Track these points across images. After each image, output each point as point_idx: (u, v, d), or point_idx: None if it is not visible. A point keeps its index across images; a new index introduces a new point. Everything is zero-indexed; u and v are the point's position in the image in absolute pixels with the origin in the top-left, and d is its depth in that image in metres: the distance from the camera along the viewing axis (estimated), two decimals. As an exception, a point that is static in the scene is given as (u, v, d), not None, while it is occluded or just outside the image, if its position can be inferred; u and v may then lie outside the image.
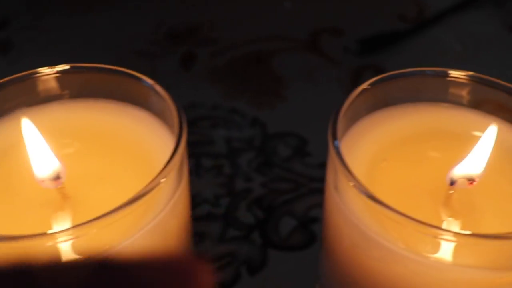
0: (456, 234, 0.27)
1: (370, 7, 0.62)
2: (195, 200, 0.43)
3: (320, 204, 0.43)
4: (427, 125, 0.32)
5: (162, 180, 0.27)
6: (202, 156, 0.46)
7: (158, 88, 0.30)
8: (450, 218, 0.30)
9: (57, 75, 0.32)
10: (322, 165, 0.46)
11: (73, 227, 0.25)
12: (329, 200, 0.30)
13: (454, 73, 0.32)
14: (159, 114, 0.31)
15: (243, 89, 0.52)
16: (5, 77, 0.54)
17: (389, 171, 0.31)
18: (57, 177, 0.30)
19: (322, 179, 0.45)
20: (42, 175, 0.29)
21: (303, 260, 0.40)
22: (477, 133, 0.32)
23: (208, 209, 0.43)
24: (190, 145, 0.47)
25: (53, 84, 0.32)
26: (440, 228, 0.26)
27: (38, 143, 0.29)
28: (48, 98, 0.32)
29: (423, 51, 0.57)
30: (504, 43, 0.57)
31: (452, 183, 0.30)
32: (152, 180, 0.26)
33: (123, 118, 0.32)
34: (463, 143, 0.31)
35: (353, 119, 0.32)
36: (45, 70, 0.32)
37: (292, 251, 0.41)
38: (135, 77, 0.30)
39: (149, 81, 0.30)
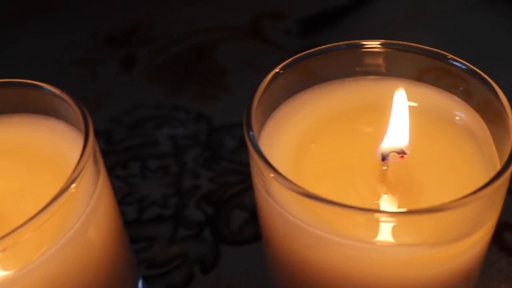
0: (387, 212, 0.26)
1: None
2: (143, 204, 0.42)
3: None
4: (351, 101, 0.31)
5: (72, 186, 0.25)
6: (147, 157, 0.45)
7: (63, 95, 0.28)
8: (386, 195, 0.29)
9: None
10: (270, 153, 0.45)
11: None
12: (257, 193, 0.29)
13: (369, 43, 0.31)
14: (71, 121, 0.30)
15: (185, 85, 0.51)
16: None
17: (319, 153, 0.30)
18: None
19: (271, 167, 0.44)
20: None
21: (257, 253, 0.39)
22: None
23: (157, 211, 0.42)
24: (134, 148, 0.46)
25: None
26: (368, 209, 0.25)
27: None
28: None
29: (367, 25, 0.56)
30: (443, 9, 0.56)
31: (384, 158, 0.29)
32: (63, 188, 0.25)
33: (36, 131, 0.31)
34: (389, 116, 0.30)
35: (273, 105, 0.31)
36: None
37: (244, 245, 0.40)
38: (39, 86, 0.29)
39: (54, 89, 0.29)
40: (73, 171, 0.25)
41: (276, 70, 0.30)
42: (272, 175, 0.26)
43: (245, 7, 0.58)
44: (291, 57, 0.52)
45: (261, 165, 0.26)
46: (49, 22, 0.59)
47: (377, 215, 0.25)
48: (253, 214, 0.41)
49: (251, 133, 0.27)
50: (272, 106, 0.31)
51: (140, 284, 0.35)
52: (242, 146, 0.45)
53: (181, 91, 0.50)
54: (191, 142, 0.46)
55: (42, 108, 0.30)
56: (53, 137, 0.31)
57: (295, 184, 0.25)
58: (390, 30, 0.55)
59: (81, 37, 0.57)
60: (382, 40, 0.30)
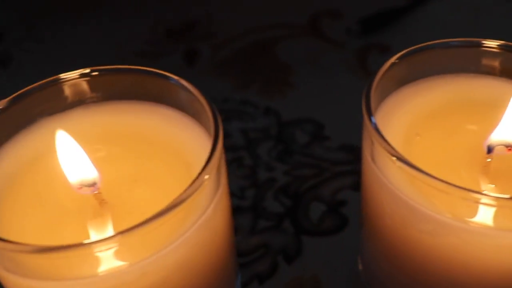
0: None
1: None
2: (220, 195, 0.43)
3: (347, 187, 0.43)
4: (458, 97, 0.32)
5: (206, 177, 0.26)
6: (220, 150, 0.46)
7: (190, 87, 0.29)
8: (490, 185, 0.30)
9: (79, 79, 0.31)
10: (343, 148, 0.45)
11: (117, 234, 0.24)
12: (369, 177, 0.30)
13: (483, 42, 0.32)
14: (189, 112, 0.30)
15: (251, 80, 0.52)
16: (8, 91, 0.54)
17: (423, 145, 0.31)
18: (93, 183, 0.29)
19: (345, 162, 0.45)
20: (78, 182, 0.29)
21: (338, 244, 0.40)
22: (507, 101, 0.32)
23: (236, 202, 0.42)
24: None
25: (76, 89, 0.31)
26: (481, 193, 0.26)
27: (71, 150, 0.29)
28: (72, 104, 0.32)
29: (424, 25, 0.56)
30: (503, 10, 0.57)
31: (490, 150, 0.30)
32: (194, 181, 0.26)
33: (153, 119, 0.31)
34: (494, 112, 0.31)
35: (383, 95, 0.32)
36: (67, 75, 0.31)
37: (325, 236, 0.40)
38: (165, 76, 0.30)
39: (181, 80, 0.29)
40: (207, 165, 0.26)
41: (392, 60, 0.31)
42: (394, 157, 0.26)
43: (303, 6, 0.59)
44: (351, 55, 0.53)
45: (382, 147, 0.27)
46: (109, 15, 0.60)
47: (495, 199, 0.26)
48: (331, 207, 0.42)
49: (372, 118, 0.28)
50: (380, 98, 0.31)
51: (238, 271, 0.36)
52: (314, 141, 0.46)
53: (247, 85, 0.51)
54: (262, 136, 0.47)
55: (162, 97, 0.31)
56: (168, 125, 0.31)
57: (419, 167, 0.26)
58: (447, 30, 0.56)
59: (140, 31, 0.58)
60: (498, 41, 0.31)
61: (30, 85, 0.54)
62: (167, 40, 0.57)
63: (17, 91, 0.53)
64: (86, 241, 0.28)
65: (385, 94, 0.32)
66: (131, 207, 0.30)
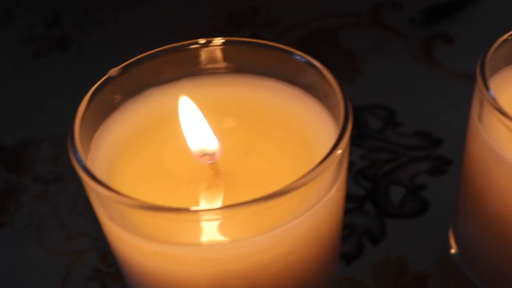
0: None
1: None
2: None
3: (425, 171, 0.43)
4: None
5: (339, 152, 0.26)
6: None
7: (325, 72, 0.29)
8: None
9: (216, 47, 0.31)
10: (417, 134, 0.45)
11: (240, 204, 0.24)
12: (475, 139, 0.30)
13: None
14: (319, 96, 0.30)
15: (319, 66, 0.51)
16: (68, 74, 0.54)
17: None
18: (213, 153, 0.29)
19: (420, 148, 0.45)
20: (199, 150, 0.29)
21: (422, 227, 0.40)
22: None
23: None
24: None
25: (212, 57, 0.31)
26: None
27: (195, 117, 0.29)
28: (205, 71, 0.31)
29: (488, 15, 0.56)
30: None
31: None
32: (329, 155, 0.25)
33: (281, 97, 0.31)
34: None
35: (492, 71, 0.32)
36: (204, 41, 0.31)
37: (408, 219, 0.40)
38: (289, 52, 0.30)
39: (317, 64, 0.29)
40: (340, 140, 0.26)
41: (504, 37, 0.31)
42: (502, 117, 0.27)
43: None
44: (415, 45, 0.53)
45: (491, 104, 0.27)
46: (163, 4, 0.60)
47: None
48: (410, 190, 0.42)
49: (485, 76, 0.28)
50: (492, 71, 0.31)
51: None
52: (387, 127, 0.46)
53: (314, 71, 0.51)
54: (335, 120, 0.47)
55: (297, 80, 0.31)
56: (281, 99, 0.31)
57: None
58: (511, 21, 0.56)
59: (199, 17, 0.58)
60: None
61: (91, 68, 0.54)
62: (227, 27, 0.57)
63: (77, 75, 0.53)
64: (216, 206, 0.28)
65: (494, 70, 0.32)
66: (246, 179, 0.30)
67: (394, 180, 0.42)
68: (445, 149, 0.44)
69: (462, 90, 0.48)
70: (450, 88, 0.49)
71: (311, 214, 0.26)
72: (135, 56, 0.30)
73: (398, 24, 0.56)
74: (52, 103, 0.51)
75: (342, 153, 0.26)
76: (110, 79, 0.30)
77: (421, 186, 0.42)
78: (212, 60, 0.31)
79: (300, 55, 0.30)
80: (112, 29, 0.57)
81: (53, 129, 0.48)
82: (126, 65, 0.30)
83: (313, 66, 0.29)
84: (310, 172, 0.25)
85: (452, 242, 0.36)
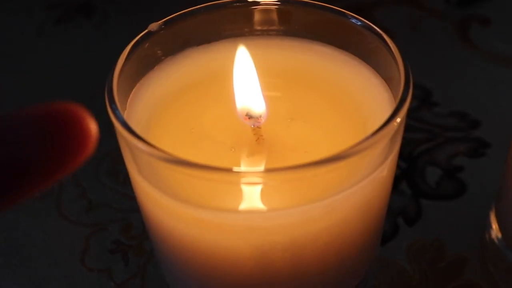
0: None
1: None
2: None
3: (462, 153, 0.41)
4: None
5: (398, 120, 0.24)
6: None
7: (388, 41, 0.27)
8: None
9: (264, 7, 0.29)
10: (453, 114, 0.44)
11: (285, 168, 0.23)
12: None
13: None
14: (373, 63, 0.29)
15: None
16: (93, 43, 0.52)
17: None
18: (259, 115, 0.27)
19: (456, 128, 0.43)
20: (246, 109, 0.27)
21: (459, 209, 0.38)
22: None
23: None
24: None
25: (258, 17, 0.30)
26: None
27: (249, 74, 0.27)
28: (251, 32, 0.30)
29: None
30: None
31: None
32: (389, 121, 0.24)
33: (332, 62, 0.30)
34: None
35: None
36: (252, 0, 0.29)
37: (445, 200, 0.39)
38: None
39: (377, 29, 0.28)
40: (399, 108, 0.24)
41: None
42: None
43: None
44: (451, 26, 0.51)
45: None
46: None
47: None
48: (446, 171, 0.40)
49: None
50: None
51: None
52: (422, 106, 0.44)
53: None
54: (369, 98, 0.45)
55: (357, 48, 0.29)
56: (329, 63, 0.30)
57: None
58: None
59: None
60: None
61: (116, 36, 0.52)
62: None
63: (103, 43, 0.51)
64: (260, 169, 0.26)
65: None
66: (290, 147, 0.28)
67: (431, 160, 0.41)
68: (483, 131, 0.42)
69: (498, 72, 0.47)
70: (487, 70, 0.48)
71: (362, 186, 0.25)
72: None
73: (434, 4, 0.54)
74: (78, 68, 0.50)
75: (400, 124, 0.25)
76: (150, 33, 0.28)
77: (458, 168, 0.40)
78: (258, 21, 0.30)
79: (357, 19, 0.28)
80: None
81: (75, 96, 0.47)
82: (167, 20, 0.29)
83: (373, 31, 0.27)
84: (364, 140, 0.23)
85: (494, 226, 0.34)
